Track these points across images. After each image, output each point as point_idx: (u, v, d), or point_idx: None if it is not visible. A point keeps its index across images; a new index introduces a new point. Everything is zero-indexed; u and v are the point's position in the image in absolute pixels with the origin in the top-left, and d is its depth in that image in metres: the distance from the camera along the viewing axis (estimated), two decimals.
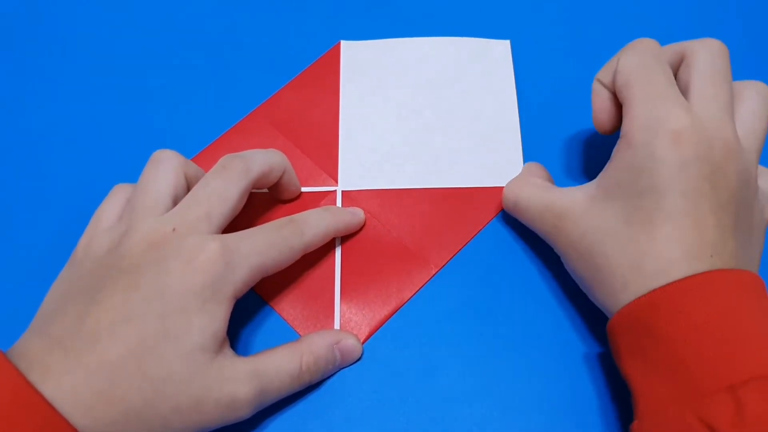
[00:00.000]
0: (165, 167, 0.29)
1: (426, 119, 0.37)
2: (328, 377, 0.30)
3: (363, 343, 0.31)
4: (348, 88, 0.37)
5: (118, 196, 0.30)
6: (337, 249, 0.33)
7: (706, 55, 0.27)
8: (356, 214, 0.33)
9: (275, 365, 0.27)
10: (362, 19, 0.40)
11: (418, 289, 0.32)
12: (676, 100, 0.26)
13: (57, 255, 0.30)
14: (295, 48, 0.39)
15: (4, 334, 0.26)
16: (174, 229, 0.27)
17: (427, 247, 0.33)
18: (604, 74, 0.30)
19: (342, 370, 0.30)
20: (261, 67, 0.39)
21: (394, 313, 0.32)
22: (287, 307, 0.32)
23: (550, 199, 0.30)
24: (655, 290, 0.25)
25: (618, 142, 0.27)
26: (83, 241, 0.29)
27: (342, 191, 0.35)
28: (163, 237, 0.26)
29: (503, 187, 0.34)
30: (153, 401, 0.24)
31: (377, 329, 0.31)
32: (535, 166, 0.34)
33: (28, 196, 0.35)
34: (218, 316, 0.26)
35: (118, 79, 0.39)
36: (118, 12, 0.41)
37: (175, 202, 0.28)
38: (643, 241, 0.25)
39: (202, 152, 0.36)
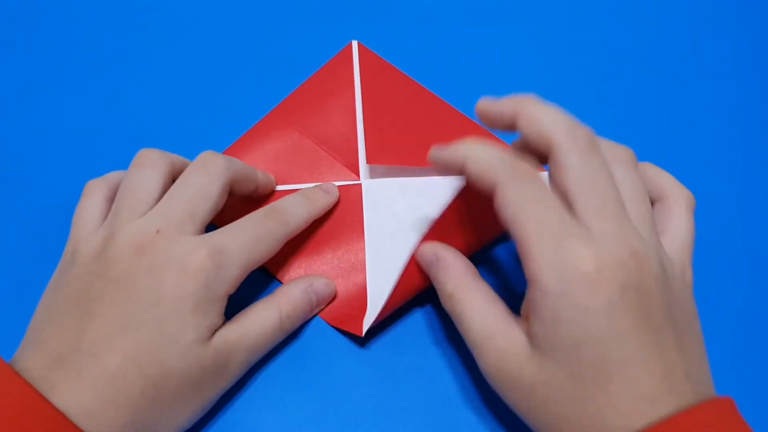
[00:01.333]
0: (150, 170, 0.29)
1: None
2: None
3: (385, 312, 0.30)
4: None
5: (96, 195, 0.30)
6: (366, 241, 0.33)
7: (621, 171, 0.26)
8: (331, 193, 0.34)
9: (258, 323, 0.29)
10: (373, 20, 0.41)
11: None
12: (577, 234, 0.23)
13: (47, 258, 0.31)
14: (307, 49, 0.39)
15: None
16: (158, 231, 0.27)
17: (450, 240, 0.33)
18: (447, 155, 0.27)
19: (340, 375, 0.30)
20: (274, 69, 0.39)
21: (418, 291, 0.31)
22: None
23: (495, 329, 0.26)
24: None
25: (529, 287, 0.24)
26: (68, 246, 0.29)
27: (366, 184, 0.35)
28: (149, 241, 0.27)
29: None
30: (156, 398, 0.25)
31: (400, 304, 0.31)
32: (462, 260, 0.29)
33: (24, 197, 0.35)
34: (212, 313, 0.27)
35: (130, 81, 0.39)
36: (126, 12, 0.41)
37: None
38: (599, 397, 0.23)
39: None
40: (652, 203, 0.27)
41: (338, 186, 0.35)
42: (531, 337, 0.24)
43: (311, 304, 0.31)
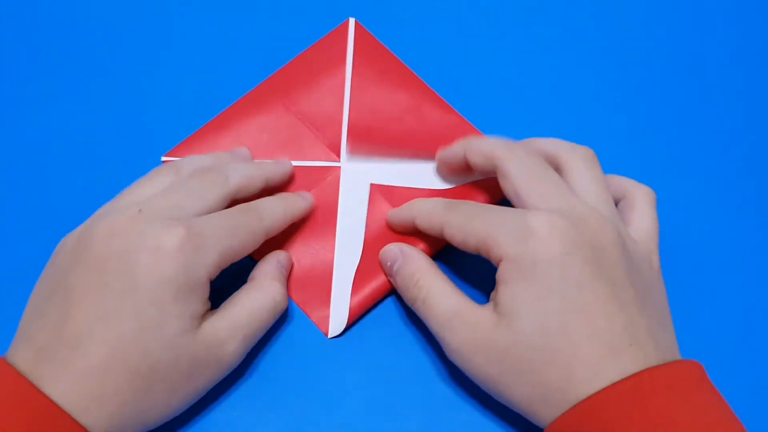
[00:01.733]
0: (156, 177, 0.29)
1: None
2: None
3: (361, 314, 0.32)
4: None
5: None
6: (338, 223, 0.34)
7: (580, 164, 0.29)
8: (306, 199, 0.33)
9: (250, 311, 0.28)
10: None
11: None
12: (529, 214, 0.26)
13: (43, 256, 0.30)
14: (304, 23, 0.39)
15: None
16: (140, 210, 0.26)
17: (409, 239, 0.33)
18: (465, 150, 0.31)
19: (339, 376, 0.31)
20: (268, 42, 0.39)
21: (390, 289, 0.32)
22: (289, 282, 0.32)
23: (462, 307, 0.27)
24: (583, 401, 0.24)
25: (498, 270, 0.26)
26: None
27: (371, 184, 0.35)
28: (126, 221, 0.26)
29: None
30: (146, 389, 0.25)
31: (373, 303, 0.32)
32: (425, 255, 0.31)
33: (22, 199, 0.35)
34: (195, 300, 0.26)
35: (119, 52, 0.38)
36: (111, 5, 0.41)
37: None
38: (564, 347, 0.24)
39: (206, 125, 0.36)
40: (616, 203, 0.30)
41: (317, 166, 0.35)
42: (499, 307, 0.26)
43: (281, 269, 0.31)
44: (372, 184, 0.34)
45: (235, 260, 0.28)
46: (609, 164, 0.31)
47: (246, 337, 0.28)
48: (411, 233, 0.32)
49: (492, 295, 0.27)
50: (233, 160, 0.32)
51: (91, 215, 0.29)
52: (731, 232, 0.35)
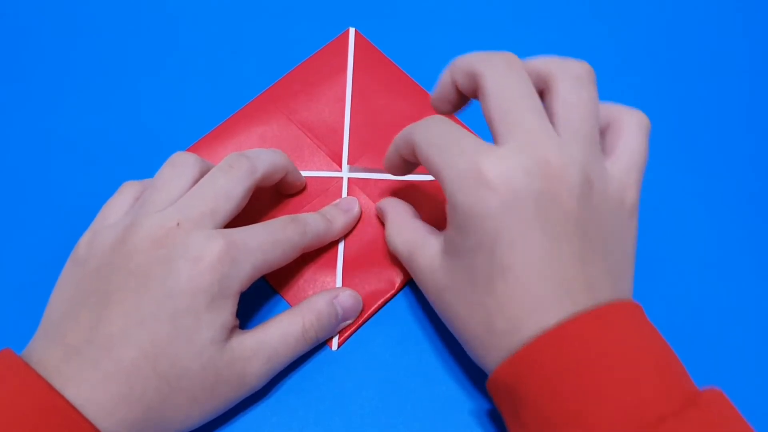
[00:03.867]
0: (182, 169, 0.29)
1: None
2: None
3: (361, 324, 0.32)
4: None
5: (126, 194, 0.30)
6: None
7: (567, 86, 0.25)
8: (351, 211, 0.33)
9: (279, 331, 0.28)
10: (372, 7, 0.40)
11: None
12: (486, 151, 0.24)
13: (53, 254, 0.31)
14: (304, 33, 0.39)
15: (7, 333, 0.27)
16: (178, 224, 0.27)
17: None
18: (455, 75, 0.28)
19: (342, 378, 0.31)
20: (269, 52, 0.39)
21: (393, 296, 0.32)
22: (294, 295, 0.32)
23: (419, 239, 0.28)
24: (512, 354, 0.24)
25: (446, 204, 0.26)
26: (86, 237, 0.28)
27: (348, 177, 0.35)
28: (167, 233, 0.26)
29: None
30: (170, 397, 0.25)
31: (375, 312, 0.32)
32: (403, 205, 0.32)
33: (27, 197, 0.35)
34: (226, 310, 0.26)
35: (121, 62, 0.39)
36: (116, 9, 0.41)
37: None
38: (489, 302, 0.24)
39: (207, 135, 0.36)
40: (604, 131, 0.27)
41: (320, 177, 0.35)
42: (445, 245, 0.26)
43: (336, 315, 0.30)
44: (349, 179, 0.35)
45: (270, 271, 0.29)
46: None
47: (271, 358, 0.28)
48: (403, 169, 0.30)
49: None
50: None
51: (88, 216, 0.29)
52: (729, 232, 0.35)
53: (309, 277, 0.32)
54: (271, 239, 0.28)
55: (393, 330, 0.32)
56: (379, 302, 0.32)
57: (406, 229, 0.30)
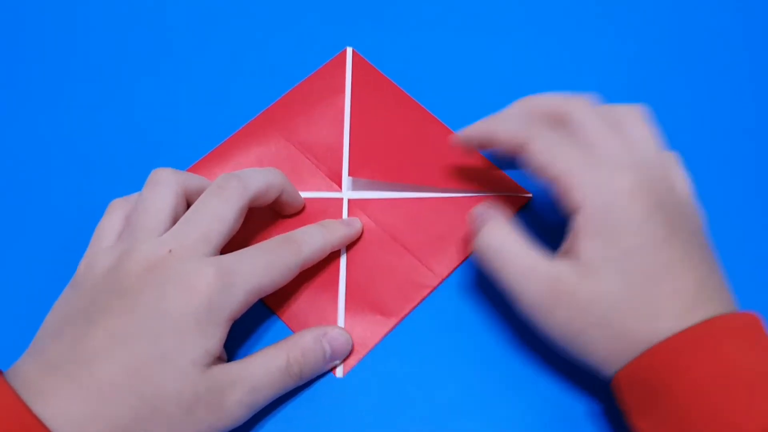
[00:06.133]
0: (163, 188, 0.29)
1: None
2: (323, 375, 0.30)
3: (366, 353, 0.31)
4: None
5: (116, 214, 0.30)
6: (342, 258, 0.33)
7: (583, 114, 0.28)
8: (353, 225, 0.33)
9: (263, 364, 0.28)
10: (369, 26, 0.40)
11: (422, 298, 0.32)
12: (606, 164, 0.27)
13: (50, 271, 0.31)
14: (301, 53, 0.39)
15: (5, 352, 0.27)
16: (171, 251, 0.27)
17: (431, 257, 0.33)
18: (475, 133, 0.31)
19: (344, 386, 0.30)
20: (266, 72, 0.38)
21: (398, 323, 0.32)
22: (293, 319, 0.32)
23: (539, 260, 0.27)
24: (658, 345, 0.25)
25: (573, 218, 0.27)
26: (85, 260, 0.28)
27: (348, 199, 0.34)
28: (161, 260, 0.26)
29: (512, 196, 0.34)
30: (145, 417, 0.25)
31: (381, 340, 0.31)
32: (504, 215, 0.30)
33: (23, 210, 0.35)
34: (214, 337, 0.26)
35: (120, 83, 0.38)
36: (121, 14, 0.40)
37: (175, 220, 0.28)
38: (652, 299, 0.25)
39: (205, 157, 0.36)
40: None
41: (319, 198, 0.34)
42: (581, 260, 0.26)
43: (324, 352, 0.29)
44: (350, 199, 0.34)
45: (265, 295, 0.28)
46: None
47: (254, 389, 0.27)
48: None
49: (564, 246, 0.27)
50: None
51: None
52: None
53: (310, 303, 0.32)
54: (263, 263, 0.28)
55: (400, 355, 0.31)
56: (385, 332, 0.31)
57: (528, 251, 0.28)
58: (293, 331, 0.31)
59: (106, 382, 0.24)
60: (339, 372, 0.31)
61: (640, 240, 0.26)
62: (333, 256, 0.33)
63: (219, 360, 0.27)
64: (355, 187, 0.35)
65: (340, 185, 0.35)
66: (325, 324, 0.31)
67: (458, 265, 0.33)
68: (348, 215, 0.34)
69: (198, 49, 0.39)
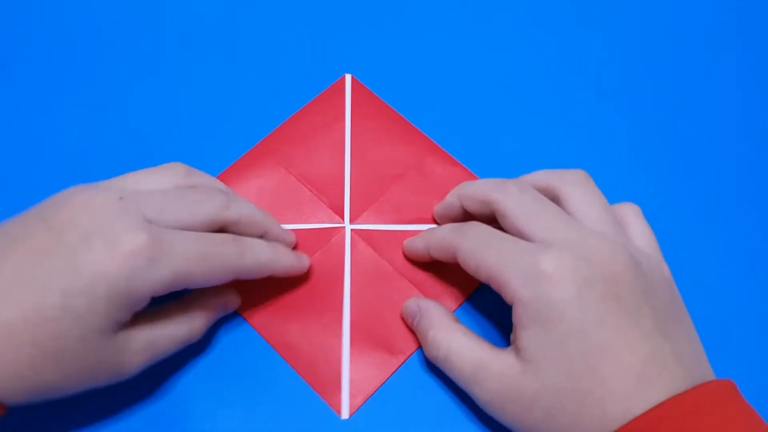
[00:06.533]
0: (165, 171, 0.29)
1: None
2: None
3: (373, 393, 0.30)
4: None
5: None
6: (345, 292, 0.32)
7: (575, 189, 0.29)
8: (301, 260, 0.31)
9: (168, 334, 0.28)
10: (367, 53, 0.39)
11: None
12: (533, 250, 0.26)
13: None
14: (299, 80, 0.38)
15: None
16: (121, 198, 0.26)
17: (438, 290, 0.32)
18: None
19: (350, 428, 0.29)
20: (264, 101, 0.38)
21: (405, 361, 0.31)
22: (299, 359, 0.31)
23: (485, 358, 0.27)
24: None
25: (513, 311, 0.26)
26: None
27: (351, 230, 0.33)
28: (103, 203, 0.25)
29: None
30: (42, 368, 0.24)
31: (388, 379, 0.30)
32: (443, 308, 0.30)
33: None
34: (125, 308, 0.25)
35: (117, 104, 0.38)
36: (117, 46, 0.40)
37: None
38: (594, 386, 0.24)
39: None
40: None
41: (322, 228, 0.34)
42: (522, 352, 0.26)
43: (220, 313, 0.31)
44: (353, 230, 0.33)
45: (192, 288, 0.27)
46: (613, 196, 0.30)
47: (156, 354, 0.27)
48: (430, 264, 0.32)
49: (511, 337, 0.27)
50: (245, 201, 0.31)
51: None
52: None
53: (314, 342, 0.31)
54: (202, 250, 0.26)
55: (408, 395, 0.30)
56: (392, 371, 0.31)
57: (475, 347, 0.28)
58: (296, 371, 0.30)
59: (5, 324, 0.23)
60: (345, 413, 0.30)
61: (572, 324, 0.24)
62: (337, 290, 0.32)
63: (126, 325, 0.26)
64: (358, 218, 0.34)
65: (342, 216, 0.34)
66: (330, 362, 0.30)
67: (466, 299, 0.32)
68: (351, 246, 0.33)
69: (195, 76, 0.39)
